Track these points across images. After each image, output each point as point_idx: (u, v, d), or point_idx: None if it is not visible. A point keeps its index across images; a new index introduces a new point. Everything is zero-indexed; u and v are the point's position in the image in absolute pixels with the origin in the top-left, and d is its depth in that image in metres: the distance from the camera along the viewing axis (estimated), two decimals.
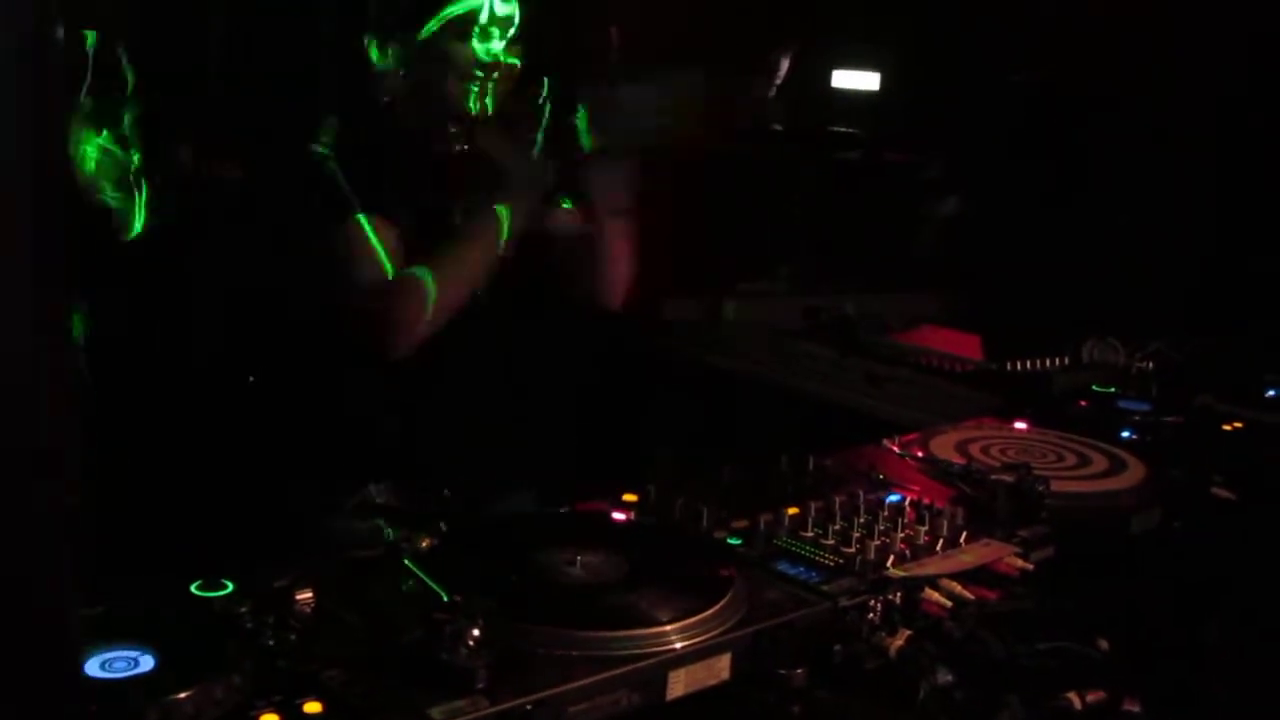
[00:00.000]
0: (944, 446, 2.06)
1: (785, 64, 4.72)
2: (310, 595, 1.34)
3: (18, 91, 0.59)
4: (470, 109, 2.23)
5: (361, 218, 2.17)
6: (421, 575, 1.39)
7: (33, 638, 0.64)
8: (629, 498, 1.74)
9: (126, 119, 2.20)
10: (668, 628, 1.33)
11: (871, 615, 1.47)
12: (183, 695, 1.13)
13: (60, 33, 0.63)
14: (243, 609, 1.31)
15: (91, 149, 2.20)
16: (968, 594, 1.51)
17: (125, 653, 1.20)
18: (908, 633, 1.42)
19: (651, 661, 1.28)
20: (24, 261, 0.60)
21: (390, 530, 1.86)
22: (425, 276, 2.18)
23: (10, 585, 0.62)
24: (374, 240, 2.18)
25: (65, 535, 0.63)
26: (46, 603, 0.65)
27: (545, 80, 2.35)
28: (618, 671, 1.25)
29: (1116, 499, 1.90)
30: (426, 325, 2.18)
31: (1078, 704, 1.35)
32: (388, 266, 2.19)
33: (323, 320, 2.26)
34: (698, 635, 1.33)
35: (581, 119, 2.36)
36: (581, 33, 3.22)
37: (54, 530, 0.62)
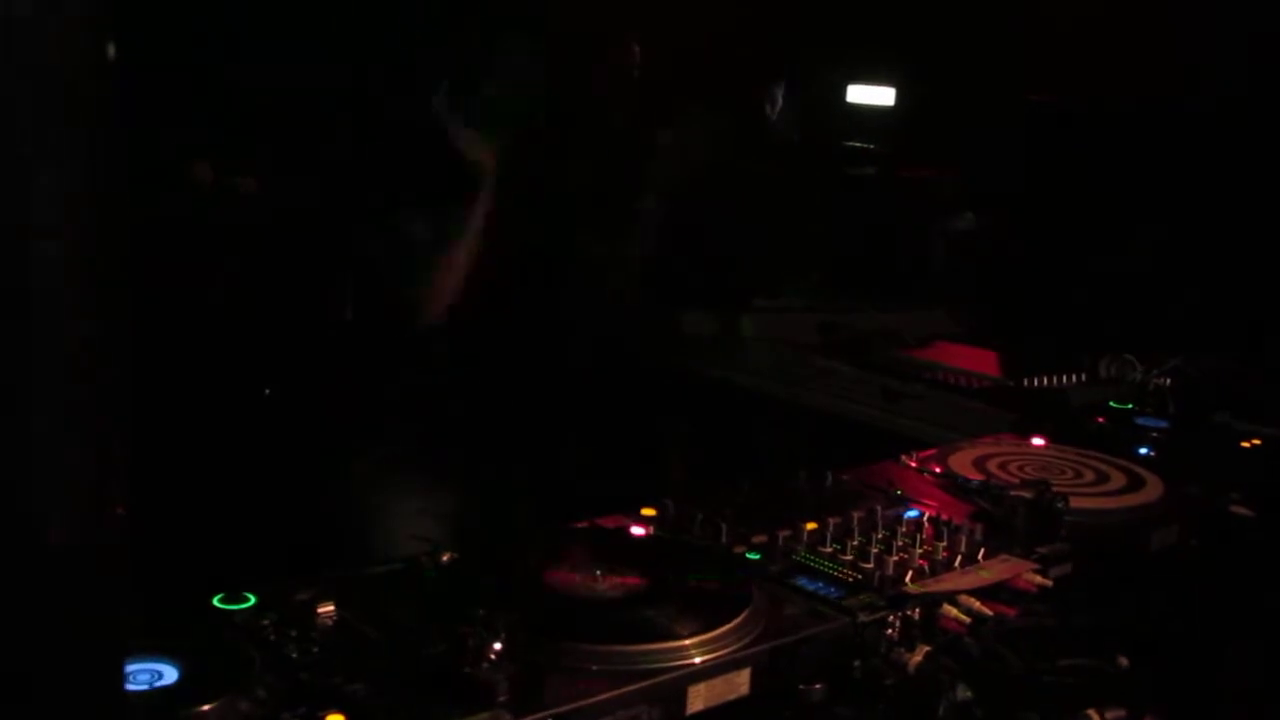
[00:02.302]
0: (962, 462, 2.06)
1: (781, 87, 4.73)
2: (332, 608, 1.35)
3: (76, 112, 0.60)
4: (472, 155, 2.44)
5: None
6: (443, 588, 1.39)
7: (81, 652, 0.65)
8: (648, 512, 1.75)
9: None
10: (687, 642, 1.33)
11: (890, 631, 1.47)
12: (206, 708, 1.14)
13: (111, 51, 0.64)
14: (265, 622, 1.32)
15: None
16: (986, 610, 1.51)
17: (148, 665, 1.21)
18: (926, 649, 1.42)
19: (671, 676, 1.29)
20: (87, 276, 0.61)
21: None
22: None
23: (61, 599, 0.63)
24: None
25: (116, 547, 0.64)
26: (98, 617, 0.65)
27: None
28: (637, 686, 1.26)
29: (1135, 516, 1.90)
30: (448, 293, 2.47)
31: None
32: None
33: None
34: (717, 650, 1.34)
35: None
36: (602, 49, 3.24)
37: (105, 543, 0.63)
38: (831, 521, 1.70)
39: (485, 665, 1.19)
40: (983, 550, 1.67)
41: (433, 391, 2.56)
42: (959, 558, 1.64)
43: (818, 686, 1.38)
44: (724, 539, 1.66)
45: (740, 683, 1.34)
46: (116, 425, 0.64)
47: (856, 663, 1.42)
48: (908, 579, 1.56)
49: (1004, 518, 1.78)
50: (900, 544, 1.65)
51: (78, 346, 0.62)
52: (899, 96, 4.92)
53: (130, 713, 1.12)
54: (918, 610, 1.50)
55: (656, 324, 3.59)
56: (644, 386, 2.87)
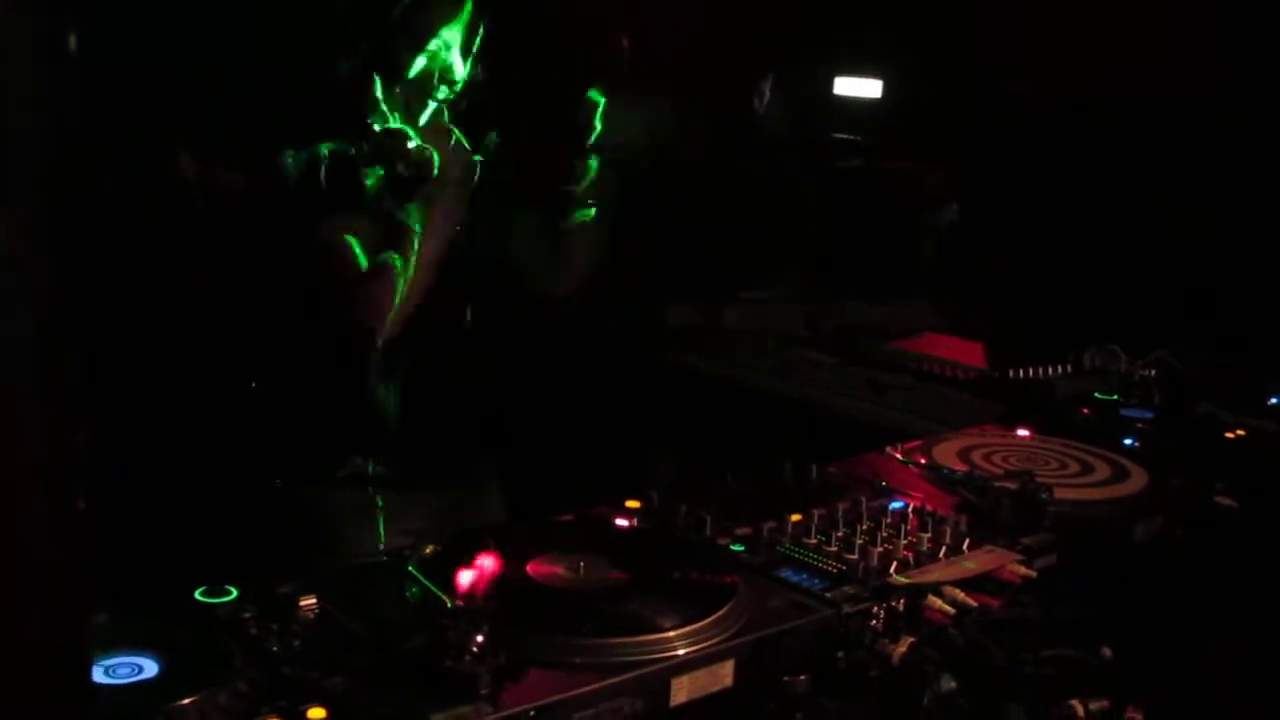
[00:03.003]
0: (947, 454, 2.06)
1: (769, 81, 4.73)
2: (314, 601, 1.34)
3: (33, 98, 0.59)
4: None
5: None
6: (425, 582, 1.39)
7: (45, 643, 0.64)
8: (632, 504, 1.74)
9: None
10: (671, 634, 1.33)
11: (874, 622, 1.47)
12: (187, 701, 1.13)
13: (73, 41, 0.63)
14: (246, 615, 1.31)
15: None
16: (970, 601, 1.51)
17: (129, 659, 1.20)
18: (911, 640, 1.42)
19: (655, 668, 1.28)
20: (37, 271, 0.60)
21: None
22: (395, 261, 2.40)
23: (23, 590, 0.62)
24: (352, 237, 2.35)
25: (77, 540, 0.64)
26: (59, 609, 0.65)
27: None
28: (621, 678, 1.25)
29: (1119, 507, 1.90)
30: (399, 306, 2.38)
31: (1080, 712, 1.35)
32: (363, 259, 2.40)
33: (313, 306, 2.44)
34: (701, 642, 1.33)
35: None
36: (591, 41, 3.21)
37: (66, 535, 0.62)
38: (817, 513, 1.69)
39: (467, 658, 1.18)
40: (967, 541, 1.67)
41: (423, 383, 2.55)
42: (944, 549, 1.64)
43: (802, 678, 1.38)
44: (708, 531, 1.65)
45: (724, 674, 1.34)
46: (75, 419, 0.63)
47: (840, 654, 1.42)
48: (892, 570, 1.55)
49: (988, 509, 1.78)
50: (885, 535, 1.65)
51: (32, 341, 0.61)
52: (886, 89, 4.92)
53: (104, 706, 1.11)
54: (902, 601, 1.50)
55: (643, 316, 3.59)
56: (629, 379, 2.87)
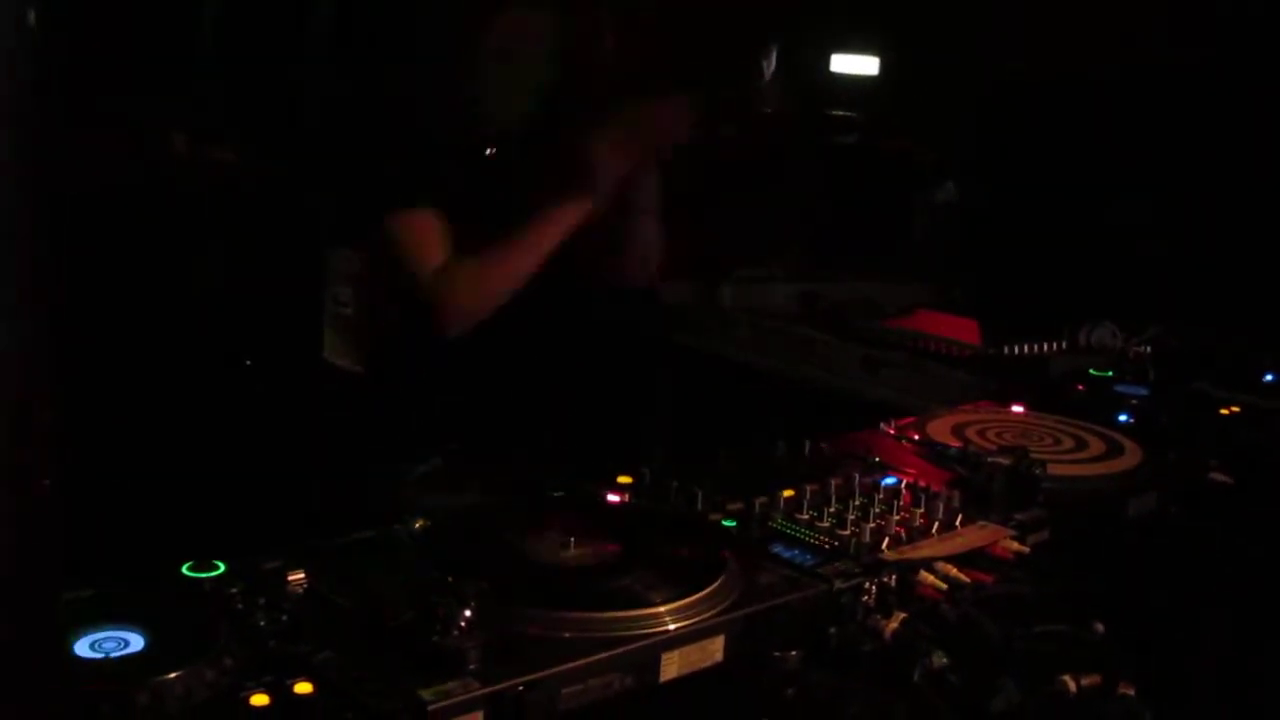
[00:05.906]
0: (941, 430, 2.06)
1: (773, 55, 4.69)
2: (302, 576, 1.33)
3: None
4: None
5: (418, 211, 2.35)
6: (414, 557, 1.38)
7: (14, 620, 0.63)
8: (624, 480, 1.73)
9: None
10: (661, 609, 1.32)
11: (866, 598, 1.47)
12: (173, 675, 1.12)
13: (32, 17, 0.62)
14: (234, 590, 1.31)
15: None
16: (963, 577, 1.51)
17: (115, 633, 1.19)
18: (903, 615, 1.42)
19: (645, 643, 1.28)
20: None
21: None
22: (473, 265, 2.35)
23: None
24: (430, 231, 2.35)
25: (46, 515, 0.62)
26: (27, 584, 0.64)
27: None
28: (611, 653, 1.25)
29: (1113, 483, 1.90)
30: (479, 308, 2.35)
31: (1072, 687, 1.34)
32: (440, 256, 2.35)
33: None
34: (691, 617, 1.32)
35: None
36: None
37: (35, 510, 0.61)
38: (809, 489, 1.69)
39: (455, 634, 1.17)
40: (960, 517, 1.66)
41: (413, 362, 2.54)
42: (936, 524, 1.63)
43: (793, 654, 1.37)
44: (700, 506, 1.65)
45: (714, 650, 1.33)
46: (38, 397, 0.62)
47: (832, 630, 1.41)
48: (885, 546, 1.55)
49: (982, 484, 1.77)
50: (878, 511, 1.65)
51: None
52: (883, 66, 4.90)
53: (90, 679, 1.11)
54: (894, 577, 1.50)
55: (638, 294, 3.58)
56: (623, 355, 2.85)
